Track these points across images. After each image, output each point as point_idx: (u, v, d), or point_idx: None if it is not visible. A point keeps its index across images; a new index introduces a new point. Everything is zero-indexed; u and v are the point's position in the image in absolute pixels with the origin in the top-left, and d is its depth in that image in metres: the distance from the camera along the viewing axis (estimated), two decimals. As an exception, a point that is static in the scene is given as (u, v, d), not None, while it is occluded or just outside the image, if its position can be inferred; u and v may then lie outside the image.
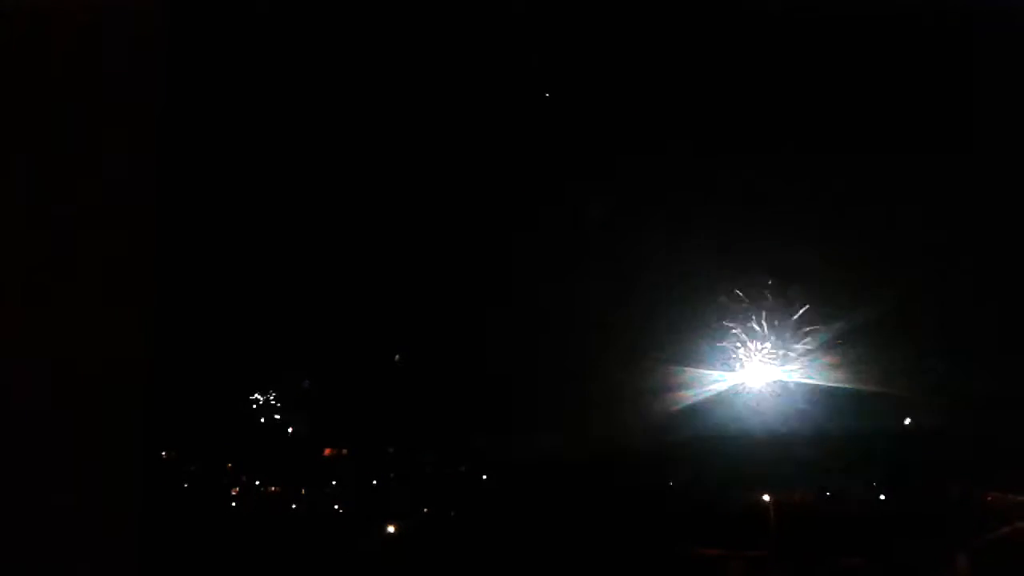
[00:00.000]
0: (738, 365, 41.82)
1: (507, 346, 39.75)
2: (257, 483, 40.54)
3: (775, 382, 41.66)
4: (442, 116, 36.63)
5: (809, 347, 40.93)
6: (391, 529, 37.58)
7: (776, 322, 41.34)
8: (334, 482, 40.91)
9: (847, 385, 39.83)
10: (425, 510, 39.22)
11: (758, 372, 41.86)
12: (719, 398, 41.81)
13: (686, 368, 40.57)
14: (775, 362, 41.60)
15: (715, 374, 41.37)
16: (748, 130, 36.43)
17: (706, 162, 36.56)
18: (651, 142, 36.36)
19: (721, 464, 39.29)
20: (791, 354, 41.52)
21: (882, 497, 39.02)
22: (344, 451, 41.83)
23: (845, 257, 37.59)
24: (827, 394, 40.80)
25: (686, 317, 39.79)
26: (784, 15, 31.97)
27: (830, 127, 36.21)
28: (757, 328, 41.44)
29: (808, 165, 36.03)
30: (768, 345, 41.59)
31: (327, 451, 41.85)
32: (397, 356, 41.15)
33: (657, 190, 37.72)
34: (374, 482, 41.07)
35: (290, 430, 41.40)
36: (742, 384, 41.77)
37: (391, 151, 37.28)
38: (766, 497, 38.25)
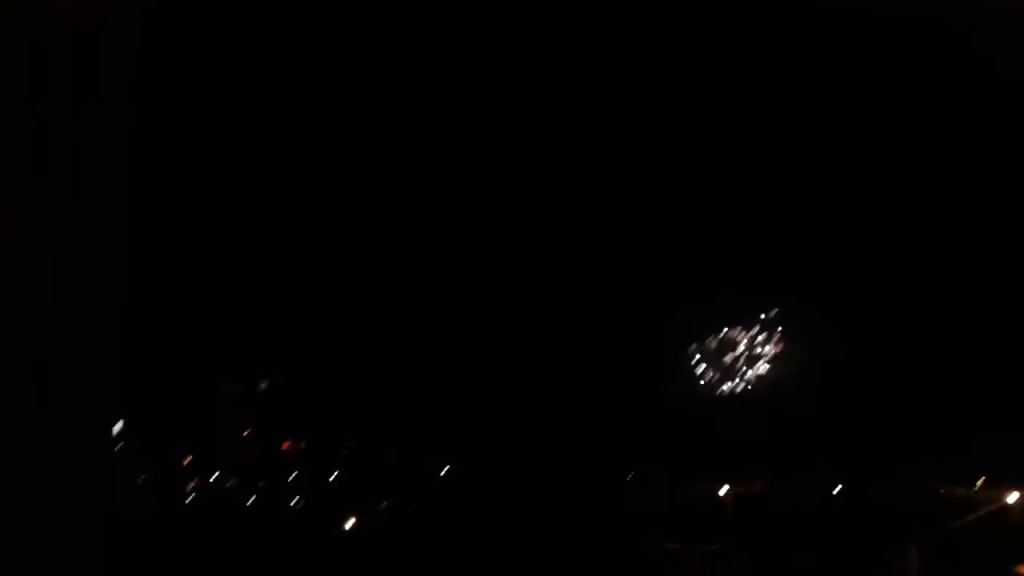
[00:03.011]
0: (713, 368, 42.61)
1: (478, 343, 39.93)
2: (214, 477, 40.16)
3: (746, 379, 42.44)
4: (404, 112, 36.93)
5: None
6: (351, 522, 37.33)
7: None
8: (293, 475, 40.67)
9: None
10: (385, 503, 39.05)
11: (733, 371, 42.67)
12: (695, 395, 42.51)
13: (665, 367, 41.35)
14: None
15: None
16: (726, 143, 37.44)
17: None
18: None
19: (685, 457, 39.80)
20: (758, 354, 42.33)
21: (836, 491, 39.65)
22: (303, 444, 41.59)
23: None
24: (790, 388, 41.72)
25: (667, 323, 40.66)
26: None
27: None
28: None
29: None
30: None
31: (286, 445, 41.57)
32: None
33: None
34: (334, 475, 40.89)
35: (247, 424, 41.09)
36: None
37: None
38: (723, 491, 38.60)
